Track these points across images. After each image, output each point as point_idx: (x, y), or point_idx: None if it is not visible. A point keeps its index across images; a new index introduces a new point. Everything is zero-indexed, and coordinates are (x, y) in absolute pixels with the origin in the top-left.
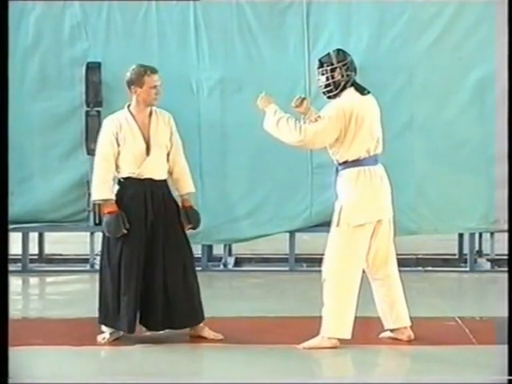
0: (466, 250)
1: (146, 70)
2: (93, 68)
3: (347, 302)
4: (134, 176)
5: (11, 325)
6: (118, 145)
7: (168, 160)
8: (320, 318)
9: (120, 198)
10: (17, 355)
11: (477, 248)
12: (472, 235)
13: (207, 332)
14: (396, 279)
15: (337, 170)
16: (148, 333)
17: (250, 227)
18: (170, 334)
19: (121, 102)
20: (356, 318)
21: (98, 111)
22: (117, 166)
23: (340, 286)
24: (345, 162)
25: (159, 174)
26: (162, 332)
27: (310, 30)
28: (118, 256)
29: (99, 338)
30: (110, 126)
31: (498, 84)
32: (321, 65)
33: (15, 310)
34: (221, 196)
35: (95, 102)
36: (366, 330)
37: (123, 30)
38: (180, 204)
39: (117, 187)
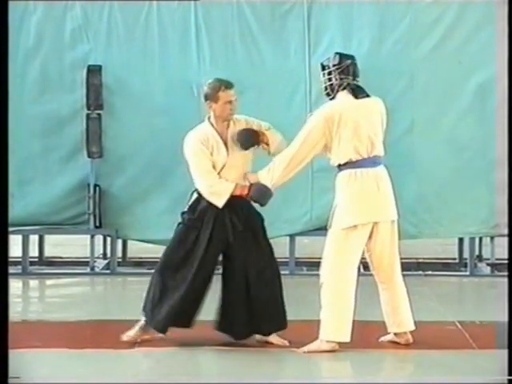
0: (466, 255)
1: (221, 86)
2: (94, 71)
3: (343, 305)
4: None
5: (11, 327)
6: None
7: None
8: (319, 321)
9: (196, 206)
10: (16, 358)
11: (477, 252)
12: (472, 240)
13: (275, 338)
14: (400, 284)
15: (336, 174)
16: (147, 336)
17: None
18: (170, 338)
19: (122, 105)
20: (356, 321)
21: (99, 114)
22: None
23: (335, 288)
24: (339, 165)
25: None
26: (161, 335)
27: (311, 33)
28: (204, 252)
29: (124, 337)
30: (198, 140)
31: (498, 88)
32: (322, 68)
33: (15, 312)
34: None
35: (96, 104)
36: (366, 333)
37: (124, 33)
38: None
39: (196, 195)
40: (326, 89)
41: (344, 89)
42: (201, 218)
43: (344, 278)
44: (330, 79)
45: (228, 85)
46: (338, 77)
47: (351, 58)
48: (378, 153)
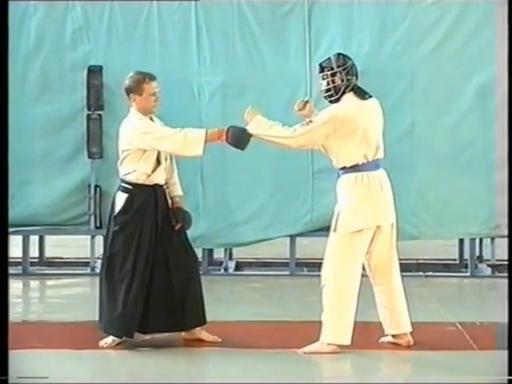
0: (466, 256)
1: (144, 77)
2: (94, 71)
3: (346, 308)
4: (143, 182)
5: (11, 328)
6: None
7: None
8: (320, 322)
9: (130, 204)
10: (16, 358)
11: (477, 253)
12: (473, 240)
13: (205, 335)
14: (398, 285)
15: (338, 175)
16: (147, 336)
17: (251, 231)
18: (170, 339)
19: (122, 106)
20: (356, 322)
21: (100, 115)
22: (131, 168)
23: (338, 291)
24: (343, 168)
25: (163, 179)
26: (161, 335)
27: (312, 34)
28: (133, 262)
29: (102, 342)
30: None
31: (498, 89)
32: (322, 69)
33: (15, 313)
34: (221, 200)
35: (97, 105)
36: (366, 334)
37: (125, 34)
38: (170, 205)
39: (125, 195)
40: (328, 90)
41: (352, 90)
42: (139, 213)
43: (347, 281)
44: (333, 81)
45: (151, 77)
46: (344, 78)
47: (350, 58)
48: (380, 156)
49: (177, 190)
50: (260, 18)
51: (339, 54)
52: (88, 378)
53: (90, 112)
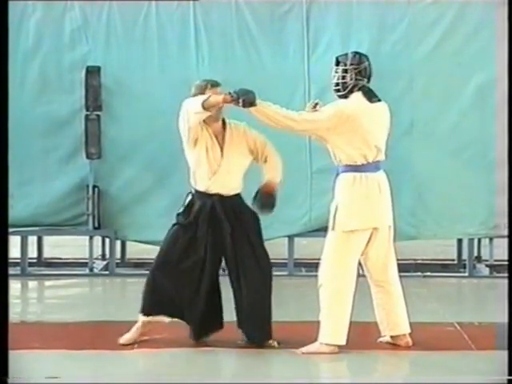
0: (465, 256)
1: (207, 84)
2: (93, 72)
3: (342, 307)
4: (204, 190)
5: (10, 328)
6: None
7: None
8: (318, 322)
9: (190, 207)
10: (15, 359)
11: (476, 253)
12: (471, 241)
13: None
14: (396, 286)
15: (337, 174)
16: (146, 337)
17: None
18: (169, 339)
19: (121, 106)
20: (354, 323)
21: (98, 115)
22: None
23: (334, 290)
24: (344, 165)
25: (229, 190)
26: (159, 336)
27: (310, 33)
28: (203, 254)
29: (122, 339)
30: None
31: (498, 89)
32: (337, 63)
33: (14, 313)
34: None
35: (95, 105)
36: (365, 335)
37: (123, 34)
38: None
39: (190, 196)
40: (337, 85)
41: (358, 90)
42: (196, 218)
43: (343, 280)
44: (343, 77)
45: (214, 83)
46: (354, 77)
47: (368, 59)
48: (380, 158)
49: (268, 174)
50: (258, 18)
51: (356, 53)
52: (87, 379)
53: (88, 112)
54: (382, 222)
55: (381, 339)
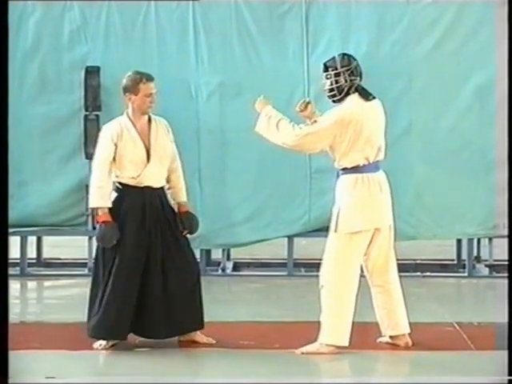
0: (464, 256)
1: (141, 78)
2: (92, 72)
3: (345, 309)
4: (132, 183)
5: (9, 329)
6: (117, 151)
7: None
8: (318, 323)
9: (118, 205)
10: (15, 359)
11: (475, 254)
12: (470, 241)
13: (200, 337)
14: (396, 286)
15: (337, 175)
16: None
17: (249, 232)
18: (167, 339)
19: (120, 107)
20: (354, 323)
21: (97, 115)
22: (116, 173)
23: (337, 292)
24: (344, 168)
25: (158, 182)
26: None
27: (310, 34)
28: (111, 264)
29: (96, 344)
30: (109, 131)
31: (497, 89)
32: (326, 69)
33: (13, 313)
34: (219, 201)
35: (94, 106)
36: (364, 335)
37: (122, 34)
38: (176, 210)
39: (114, 194)
40: (331, 90)
41: (356, 91)
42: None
43: (346, 282)
44: (337, 81)
45: (149, 77)
46: (348, 78)
47: (355, 58)
48: (380, 158)
49: (183, 195)
50: (258, 19)
51: (344, 55)
52: (86, 379)
53: (87, 112)
54: (384, 222)
55: (380, 339)
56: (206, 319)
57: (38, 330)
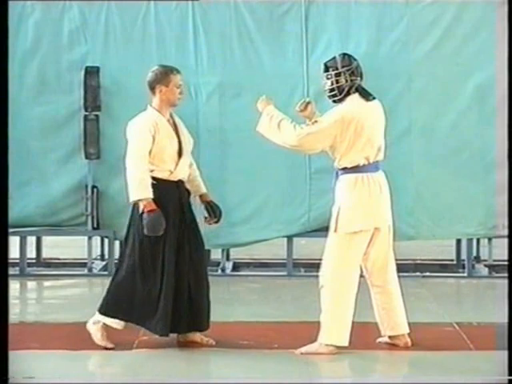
0: (463, 256)
1: (172, 69)
2: (91, 72)
3: (344, 309)
4: (168, 177)
5: (9, 329)
6: (154, 144)
7: None
8: (317, 323)
9: (157, 198)
10: (15, 359)
11: (475, 254)
12: (470, 241)
13: (199, 337)
14: (395, 286)
15: (337, 175)
16: (145, 337)
17: (248, 232)
18: (167, 339)
19: (119, 107)
20: (354, 323)
21: (97, 115)
22: (151, 167)
23: (337, 292)
24: (344, 168)
25: (187, 175)
26: (158, 336)
27: (309, 34)
28: (161, 256)
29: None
30: (146, 124)
31: (497, 89)
32: (326, 69)
33: (12, 314)
34: (219, 200)
35: (94, 106)
36: (364, 335)
37: (122, 35)
38: (200, 200)
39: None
40: (332, 90)
41: (356, 91)
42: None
43: (346, 282)
44: (338, 81)
45: (177, 70)
46: (348, 78)
47: (355, 59)
48: (380, 158)
49: (204, 187)
50: (257, 19)
51: (344, 54)
52: (86, 379)
53: (87, 113)
54: (383, 222)
55: (380, 339)
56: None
57: (38, 330)
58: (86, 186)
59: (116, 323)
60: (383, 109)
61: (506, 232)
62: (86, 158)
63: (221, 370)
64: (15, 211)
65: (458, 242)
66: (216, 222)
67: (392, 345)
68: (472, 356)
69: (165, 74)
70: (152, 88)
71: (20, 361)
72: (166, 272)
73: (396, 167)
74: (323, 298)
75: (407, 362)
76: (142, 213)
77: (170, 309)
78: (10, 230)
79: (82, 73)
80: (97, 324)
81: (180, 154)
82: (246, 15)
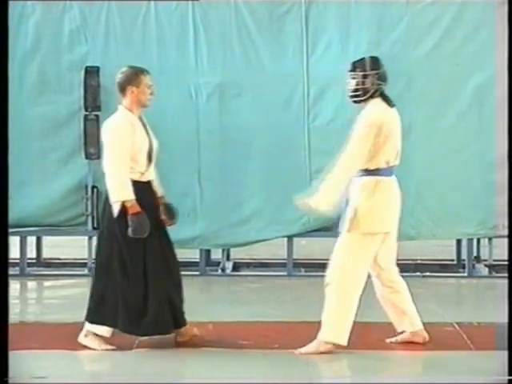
0: (464, 256)
1: (141, 70)
2: (91, 72)
3: (348, 309)
4: (140, 178)
5: (9, 329)
6: (131, 145)
7: None
8: (317, 323)
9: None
10: (15, 359)
11: (475, 254)
12: (470, 241)
13: (195, 329)
14: (403, 285)
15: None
16: (145, 337)
17: (249, 232)
18: (167, 339)
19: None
20: (354, 323)
21: (97, 115)
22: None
23: (343, 292)
24: (366, 170)
25: (154, 176)
26: (157, 336)
27: (309, 34)
28: (142, 259)
29: (99, 347)
30: (125, 125)
31: (497, 90)
32: (353, 68)
33: (13, 314)
34: (219, 201)
35: (94, 106)
36: (364, 335)
37: (122, 35)
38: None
39: None
40: (356, 91)
41: (378, 95)
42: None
43: (353, 282)
44: (364, 82)
45: (147, 70)
46: (375, 82)
47: (383, 64)
48: (397, 163)
49: (161, 189)
50: (257, 19)
51: (374, 58)
52: (86, 379)
53: (87, 113)
54: (395, 225)
55: (392, 339)
56: (205, 319)
57: (38, 330)
58: (86, 186)
59: (106, 331)
60: None
61: (506, 232)
62: (86, 158)
63: (221, 369)
64: (15, 211)
65: (459, 242)
66: (173, 224)
67: (407, 343)
68: (472, 356)
69: (135, 75)
70: (123, 89)
71: (20, 361)
72: (149, 272)
73: (396, 167)
74: (328, 296)
75: (407, 361)
76: (125, 214)
77: (160, 308)
78: (10, 230)
79: (82, 73)
80: (88, 335)
81: (150, 155)
82: (246, 15)
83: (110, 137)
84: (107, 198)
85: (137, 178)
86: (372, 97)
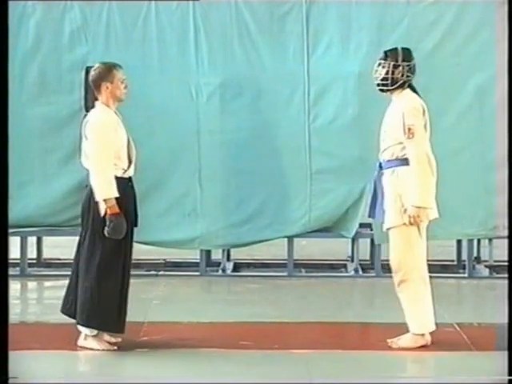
0: (464, 257)
1: (114, 65)
2: None
3: (428, 295)
4: (122, 175)
5: (9, 329)
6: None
7: None
8: (317, 323)
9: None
10: (15, 359)
11: (475, 254)
12: (470, 241)
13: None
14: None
15: (380, 167)
16: (145, 337)
17: (249, 232)
18: (167, 339)
19: (119, 107)
20: (354, 323)
21: None
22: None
23: (422, 281)
24: (405, 159)
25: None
26: (159, 336)
27: (310, 34)
28: (123, 258)
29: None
30: (106, 121)
31: (497, 90)
32: (385, 57)
33: (13, 314)
34: (219, 201)
35: (94, 106)
36: (364, 335)
37: (123, 35)
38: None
39: None
40: (385, 79)
41: (407, 87)
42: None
43: (425, 269)
44: (393, 72)
45: (119, 65)
46: (406, 73)
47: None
48: None
49: None
50: (258, 19)
51: (406, 49)
52: (86, 379)
53: (87, 113)
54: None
55: (395, 339)
56: (206, 319)
57: (38, 330)
58: (86, 187)
59: (89, 331)
60: (382, 110)
61: (506, 233)
62: None
63: (221, 369)
64: (16, 211)
65: (459, 242)
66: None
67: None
68: (472, 356)
69: (108, 71)
70: (97, 86)
71: (20, 361)
72: (126, 271)
73: None
74: (407, 292)
75: (407, 362)
76: (105, 214)
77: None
78: (11, 231)
79: (83, 73)
80: (87, 338)
81: (129, 150)
82: (246, 15)
83: (95, 134)
84: (91, 196)
85: (119, 174)
86: (401, 88)
